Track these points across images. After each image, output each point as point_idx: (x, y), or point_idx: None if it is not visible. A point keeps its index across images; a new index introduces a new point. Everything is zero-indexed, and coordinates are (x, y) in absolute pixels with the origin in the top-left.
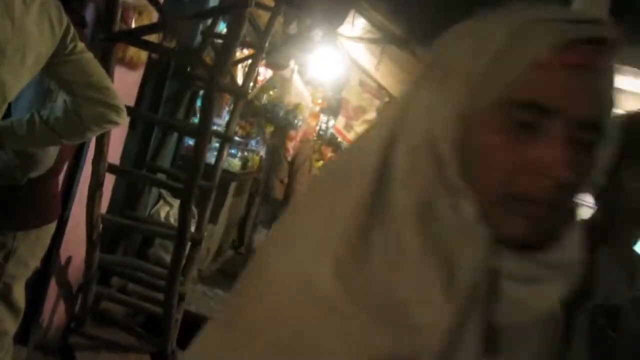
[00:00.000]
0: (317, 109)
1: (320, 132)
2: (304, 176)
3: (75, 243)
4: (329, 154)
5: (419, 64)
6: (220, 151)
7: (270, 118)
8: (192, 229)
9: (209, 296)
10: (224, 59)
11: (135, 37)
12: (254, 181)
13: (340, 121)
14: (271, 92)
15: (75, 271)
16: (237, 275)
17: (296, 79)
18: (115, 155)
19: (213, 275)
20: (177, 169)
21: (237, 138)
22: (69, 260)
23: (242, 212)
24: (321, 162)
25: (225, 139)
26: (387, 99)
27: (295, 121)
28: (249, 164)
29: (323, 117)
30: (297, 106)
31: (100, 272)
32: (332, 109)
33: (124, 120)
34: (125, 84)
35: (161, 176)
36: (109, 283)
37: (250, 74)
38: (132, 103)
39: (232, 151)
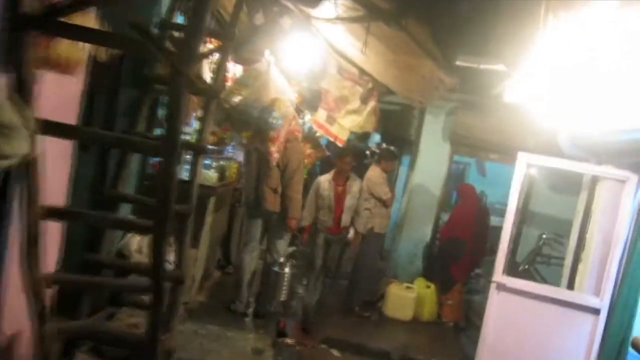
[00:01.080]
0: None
1: None
2: (300, 183)
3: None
4: (308, 150)
5: (412, 40)
6: (194, 165)
7: (243, 121)
8: (171, 260)
9: (201, 334)
10: (191, 44)
11: (55, 21)
12: (235, 192)
13: (321, 114)
14: (244, 92)
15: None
16: (229, 300)
17: (274, 73)
18: (58, 190)
19: (202, 307)
20: (144, 192)
21: (209, 146)
22: (16, 337)
23: (225, 227)
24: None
25: (199, 150)
26: (370, 85)
27: (272, 120)
28: (227, 173)
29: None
30: (273, 102)
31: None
32: (308, 102)
33: (24, 149)
34: (59, 95)
35: (126, 208)
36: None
37: (220, 69)
38: (71, 118)
39: (206, 161)
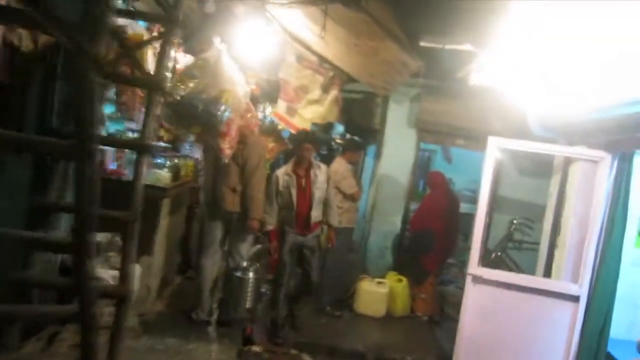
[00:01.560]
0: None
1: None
2: (261, 181)
3: None
4: (270, 144)
5: (373, 21)
6: (137, 166)
7: (190, 115)
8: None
9: (158, 350)
10: (95, 12)
11: None
12: (192, 191)
13: (281, 105)
14: (191, 84)
15: None
16: (190, 308)
17: (224, 63)
18: None
19: (160, 318)
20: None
21: (162, 144)
22: None
23: (183, 229)
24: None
25: (141, 148)
26: (331, 74)
27: (218, 112)
28: (182, 172)
29: (258, 105)
30: (220, 94)
31: None
32: (268, 94)
33: None
34: None
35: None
36: None
37: (162, 58)
38: None
39: (159, 160)
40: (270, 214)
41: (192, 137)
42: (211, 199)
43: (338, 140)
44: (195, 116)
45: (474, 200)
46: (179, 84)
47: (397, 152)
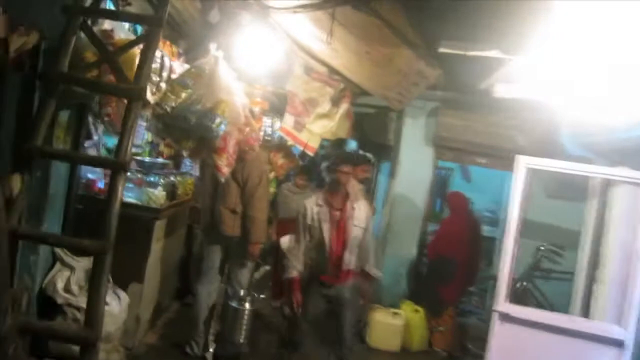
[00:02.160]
0: (257, 109)
1: (266, 137)
2: (263, 201)
3: None
4: (280, 160)
5: (385, 25)
6: (112, 188)
7: (182, 129)
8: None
9: None
10: None
11: None
12: (192, 211)
13: (288, 120)
14: (183, 94)
15: None
16: (186, 338)
17: (222, 71)
18: None
19: (151, 351)
20: (74, 218)
21: (160, 160)
22: None
23: (183, 251)
24: (272, 174)
25: (116, 167)
26: (342, 86)
27: (213, 125)
28: (179, 191)
29: (266, 120)
30: (216, 105)
31: None
32: (276, 107)
33: None
34: None
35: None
36: None
37: (144, 64)
38: None
39: (151, 179)
40: (294, 256)
41: (185, 153)
42: (209, 221)
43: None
44: (187, 130)
45: (495, 222)
46: (169, 94)
47: (413, 171)
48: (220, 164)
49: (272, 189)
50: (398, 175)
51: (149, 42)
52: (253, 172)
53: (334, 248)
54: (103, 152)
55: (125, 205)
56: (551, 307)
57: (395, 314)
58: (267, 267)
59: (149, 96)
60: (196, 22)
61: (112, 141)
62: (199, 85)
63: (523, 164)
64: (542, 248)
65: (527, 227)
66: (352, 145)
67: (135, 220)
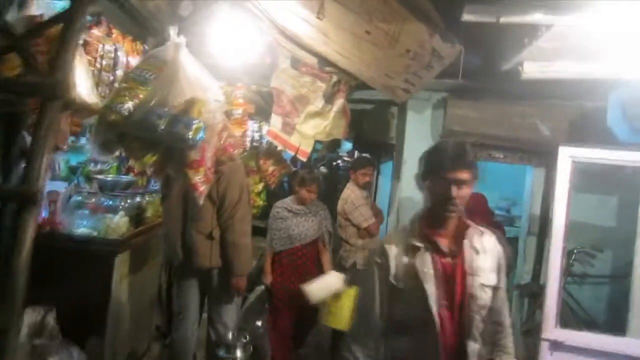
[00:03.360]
0: (239, 111)
1: (254, 144)
2: (245, 222)
3: None
4: (270, 167)
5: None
6: (19, 228)
7: (144, 139)
8: None
9: None
10: None
11: None
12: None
13: (275, 121)
14: (142, 93)
15: None
16: None
17: (186, 61)
18: None
19: None
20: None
21: (126, 177)
22: None
23: (158, 283)
24: (261, 184)
25: (22, 199)
26: (335, 79)
27: (189, 133)
28: (148, 213)
29: (252, 124)
30: (189, 105)
31: None
32: (262, 109)
33: None
34: None
35: None
36: None
37: (64, 48)
38: None
39: (109, 202)
40: (366, 348)
41: (148, 171)
42: (178, 253)
43: (345, 159)
44: (151, 140)
45: (509, 222)
46: (124, 92)
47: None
48: (196, 182)
49: (261, 202)
50: (404, 177)
51: (70, 20)
52: (231, 186)
53: (448, 330)
54: (63, 173)
55: (75, 239)
56: (589, 316)
57: None
58: (262, 287)
59: (94, 99)
60: (164, 16)
61: (77, 157)
62: (162, 80)
63: (568, 156)
64: (576, 251)
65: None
66: (347, 146)
67: (89, 258)
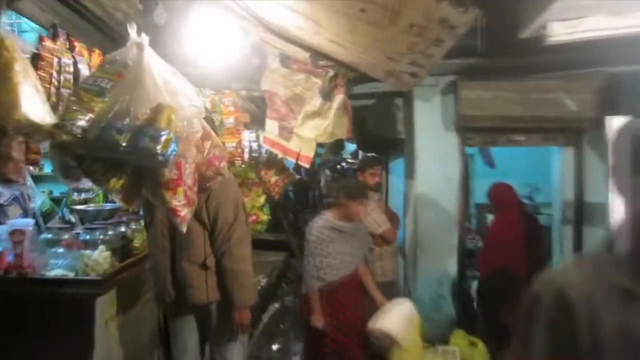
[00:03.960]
0: (231, 120)
1: (253, 154)
2: (244, 244)
3: None
4: (273, 178)
5: None
6: None
7: (106, 160)
8: None
9: None
10: None
11: None
12: None
13: (271, 127)
14: (97, 105)
15: None
16: None
17: (151, 62)
18: None
19: None
20: None
21: (110, 205)
22: None
23: (157, 319)
24: (263, 197)
25: None
26: (331, 73)
27: (158, 147)
28: (137, 243)
29: (249, 134)
30: (156, 113)
31: None
32: (256, 116)
33: None
34: None
35: None
36: None
37: None
38: None
39: (86, 236)
40: None
41: (116, 198)
42: (168, 288)
43: (350, 160)
44: (115, 161)
45: (533, 210)
46: (74, 107)
47: (435, 165)
48: (176, 205)
49: (265, 216)
50: (417, 174)
51: None
52: (223, 205)
53: None
54: (46, 206)
55: (47, 283)
56: None
57: (447, 351)
58: (276, 306)
59: (50, 119)
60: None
61: (59, 188)
62: (122, 87)
63: (629, 129)
64: None
65: (591, 212)
66: (350, 148)
67: (65, 303)
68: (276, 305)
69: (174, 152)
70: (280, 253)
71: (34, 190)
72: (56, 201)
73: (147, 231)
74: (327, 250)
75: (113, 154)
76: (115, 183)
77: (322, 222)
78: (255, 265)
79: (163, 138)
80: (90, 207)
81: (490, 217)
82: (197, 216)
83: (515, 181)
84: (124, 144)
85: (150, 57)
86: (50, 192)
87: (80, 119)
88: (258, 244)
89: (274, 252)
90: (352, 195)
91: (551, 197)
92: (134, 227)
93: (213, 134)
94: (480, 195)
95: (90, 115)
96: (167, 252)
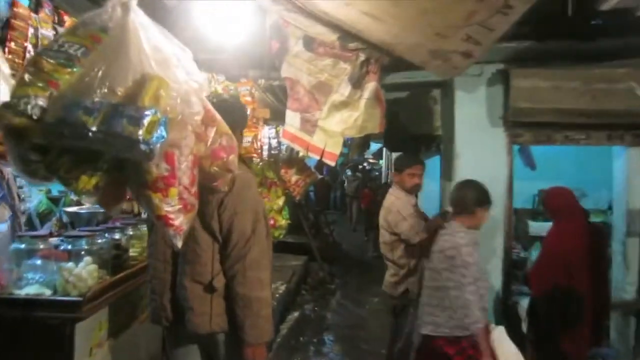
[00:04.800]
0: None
1: (272, 151)
2: (262, 266)
3: None
4: (293, 177)
5: None
6: None
7: (68, 150)
8: None
9: None
10: None
11: None
12: None
13: (292, 119)
14: (60, 82)
15: None
16: None
17: (140, 26)
18: None
19: None
20: None
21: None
22: None
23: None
24: (282, 199)
25: None
26: (362, 57)
27: (139, 131)
28: (134, 252)
29: (268, 130)
30: (138, 86)
31: None
32: (276, 109)
33: None
34: None
35: None
36: None
37: None
38: None
39: (68, 247)
40: None
41: (89, 200)
42: (167, 310)
43: (371, 161)
44: (85, 151)
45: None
46: (32, 82)
47: (478, 165)
48: (167, 213)
49: (283, 221)
50: (456, 175)
51: None
52: (241, 213)
53: None
54: (44, 206)
55: (17, 303)
56: None
57: None
58: (295, 315)
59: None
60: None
61: (58, 186)
62: (99, 55)
63: None
64: None
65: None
66: (373, 148)
67: (37, 328)
68: (295, 314)
69: (163, 140)
70: (300, 257)
71: (29, 189)
72: (55, 201)
73: (148, 239)
74: (482, 271)
75: (80, 142)
76: (87, 182)
77: (469, 238)
78: (272, 270)
79: (147, 120)
80: (84, 209)
81: (532, 225)
82: (205, 224)
83: (557, 184)
84: (93, 128)
85: (140, 19)
86: (49, 191)
87: (39, 97)
88: (276, 247)
89: (293, 256)
90: (481, 202)
91: (600, 203)
92: (130, 233)
93: (219, 117)
94: (518, 199)
95: (53, 90)
96: (169, 264)
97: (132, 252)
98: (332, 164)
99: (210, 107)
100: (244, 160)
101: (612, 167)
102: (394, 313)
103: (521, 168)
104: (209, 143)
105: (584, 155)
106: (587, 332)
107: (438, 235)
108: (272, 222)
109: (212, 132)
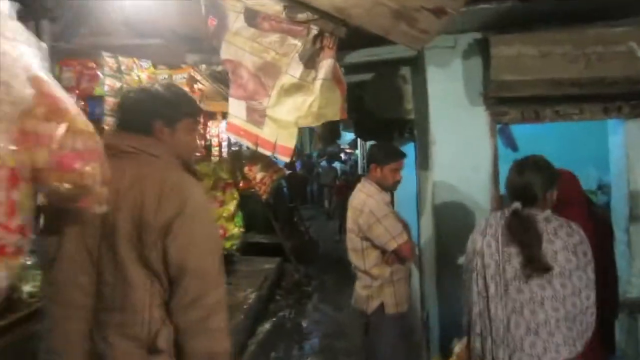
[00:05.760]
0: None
1: (232, 148)
2: (222, 309)
3: None
4: (258, 174)
5: None
6: None
7: None
8: None
9: None
10: None
11: None
12: None
13: (236, 108)
14: None
15: None
16: None
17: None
18: None
19: None
20: None
21: None
22: None
23: None
24: (234, 202)
25: None
26: (315, 30)
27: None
28: (30, 289)
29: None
30: None
31: None
32: (224, 97)
33: None
34: None
35: None
36: None
37: None
38: None
39: None
40: None
41: None
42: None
43: (348, 151)
44: None
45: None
46: None
47: (458, 151)
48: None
49: (236, 229)
50: (434, 164)
51: None
52: (197, 242)
53: None
54: None
55: None
56: None
57: None
58: (267, 326)
59: None
60: None
61: None
62: None
63: None
64: None
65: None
66: (348, 137)
67: None
68: (267, 326)
69: None
70: (273, 259)
71: None
72: None
73: (48, 269)
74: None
75: None
76: None
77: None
78: (241, 276)
79: None
80: None
81: None
82: (140, 255)
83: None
84: None
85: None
86: None
87: None
88: (247, 250)
89: (265, 259)
90: None
91: (589, 184)
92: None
93: (72, 109)
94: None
95: None
96: (82, 309)
97: (27, 289)
98: (286, 159)
99: (56, 93)
100: (188, 163)
101: (599, 143)
102: (366, 332)
103: (502, 150)
104: (53, 147)
105: (568, 131)
106: (597, 343)
107: None
108: (221, 231)
109: (60, 130)
